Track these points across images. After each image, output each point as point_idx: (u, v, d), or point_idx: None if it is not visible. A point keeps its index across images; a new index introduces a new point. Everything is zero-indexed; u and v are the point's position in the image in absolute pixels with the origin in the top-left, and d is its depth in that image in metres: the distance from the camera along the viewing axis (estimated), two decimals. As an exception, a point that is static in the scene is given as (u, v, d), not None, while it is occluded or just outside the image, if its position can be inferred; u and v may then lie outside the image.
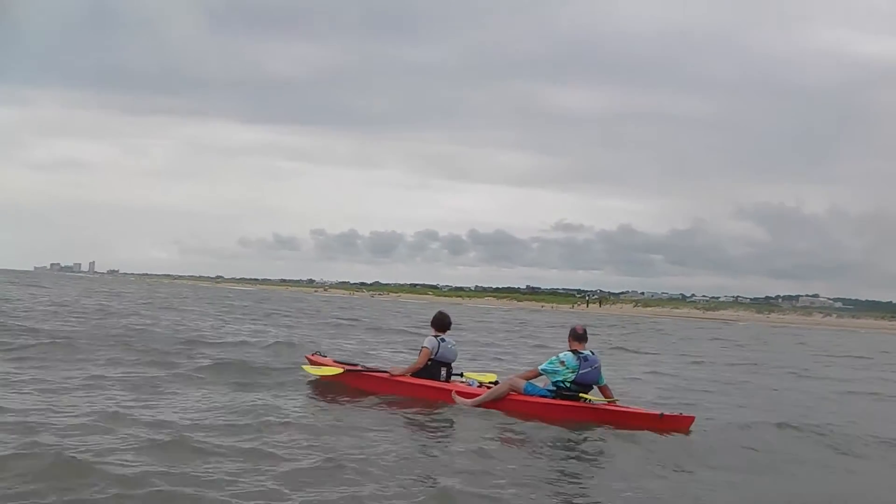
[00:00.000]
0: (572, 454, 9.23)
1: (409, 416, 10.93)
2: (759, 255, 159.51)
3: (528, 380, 11.50)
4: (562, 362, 11.20)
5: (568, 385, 11.11)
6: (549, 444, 9.66)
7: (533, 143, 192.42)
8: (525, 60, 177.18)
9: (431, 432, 10.06)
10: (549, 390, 11.31)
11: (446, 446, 9.23)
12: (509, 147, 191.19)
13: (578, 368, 11.09)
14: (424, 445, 9.16)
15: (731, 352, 30.28)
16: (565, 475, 8.16)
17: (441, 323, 12.64)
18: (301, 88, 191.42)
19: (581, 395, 11.14)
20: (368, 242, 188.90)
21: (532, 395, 11.35)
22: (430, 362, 12.30)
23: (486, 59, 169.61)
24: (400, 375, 12.45)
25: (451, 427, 10.47)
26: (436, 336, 12.44)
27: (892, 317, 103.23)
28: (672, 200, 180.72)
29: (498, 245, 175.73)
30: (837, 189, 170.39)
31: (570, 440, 9.85)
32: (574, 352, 11.28)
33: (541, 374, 11.43)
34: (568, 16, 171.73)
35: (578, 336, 11.44)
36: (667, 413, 10.97)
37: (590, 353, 11.35)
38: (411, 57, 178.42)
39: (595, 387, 11.35)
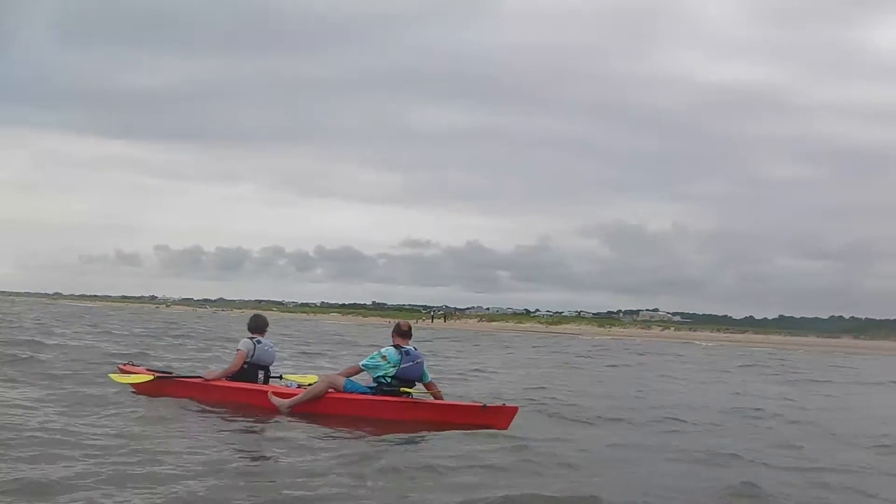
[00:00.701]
0: (391, 451, 8.65)
1: (221, 420, 10.26)
2: (603, 271, 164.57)
3: (348, 377, 11.05)
4: (383, 357, 10.81)
5: (389, 380, 10.72)
6: (366, 442, 9.20)
7: (386, 159, 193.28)
8: (387, 77, 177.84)
9: (241, 436, 9.42)
10: (369, 387, 10.87)
11: (254, 451, 8.58)
12: (363, 163, 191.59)
13: (400, 363, 10.75)
14: (232, 451, 8.41)
15: (561, 358, 30.87)
16: (383, 473, 7.48)
17: (257, 325, 12.04)
18: (160, 103, 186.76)
19: (402, 389, 10.75)
20: (214, 258, 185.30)
21: (352, 393, 10.89)
22: (246, 365, 11.64)
23: (349, 76, 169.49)
24: (214, 379, 11.70)
25: (261, 431, 9.83)
26: (251, 338, 11.80)
27: (727, 329, 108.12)
28: (521, 218, 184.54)
29: (345, 261, 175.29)
30: (681, 208, 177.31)
31: (385, 439, 9.36)
32: (396, 347, 10.93)
33: (362, 371, 10.98)
34: (431, 34, 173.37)
35: (402, 332, 11.19)
36: (489, 404, 10.75)
37: (412, 349, 11.06)
38: (276, 73, 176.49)
39: (421, 384, 11.05)
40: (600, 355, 34.09)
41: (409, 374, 10.80)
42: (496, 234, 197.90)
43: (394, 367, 10.67)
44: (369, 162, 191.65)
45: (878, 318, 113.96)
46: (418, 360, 10.97)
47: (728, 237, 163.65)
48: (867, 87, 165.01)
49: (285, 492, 6.58)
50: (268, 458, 8.13)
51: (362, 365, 10.98)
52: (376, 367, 10.78)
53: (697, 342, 65.59)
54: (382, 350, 10.93)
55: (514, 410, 10.68)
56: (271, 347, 12.03)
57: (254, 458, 8.14)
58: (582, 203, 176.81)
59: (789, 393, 18.60)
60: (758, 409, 14.09)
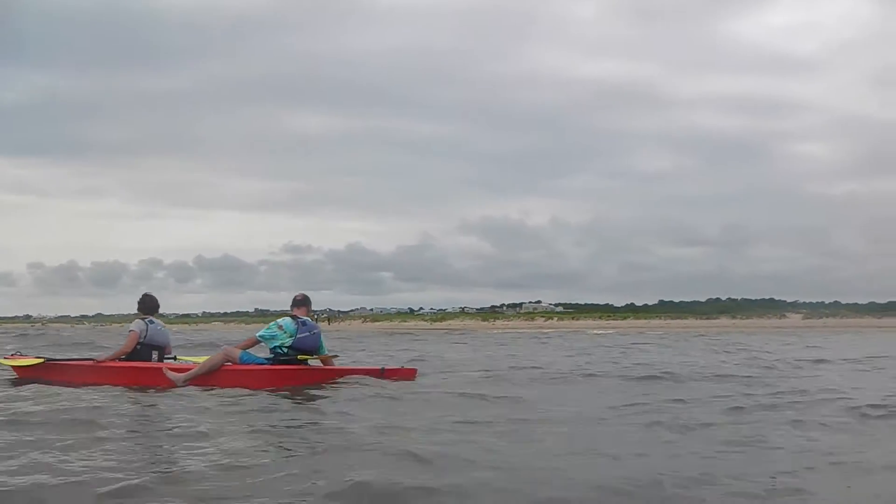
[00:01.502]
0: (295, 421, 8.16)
1: (117, 401, 9.67)
2: (485, 267, 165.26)
3: (244, 349, 11.05)
4: (280, 327, 10.92)
5: (286, 350, 10.83)
6: (268, 409, 8.90)
7: (263, 167, 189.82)
8: (259, 85, 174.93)
9: (134, 414, 8.74)
10: (267, 359, 10.94)
11: (145, 428, 7.89)
12: (240, 172, 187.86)
13: (296, 333, 10.87)
14: (128, 429, 7.67)
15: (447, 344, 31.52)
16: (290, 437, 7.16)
17: (147, 305, 11.97)
18: (25, 118, 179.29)
19: (300, 357, 10.87)
20: (90, 274, 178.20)
21: (249, 364, 10.90)
22: (139, 346, 11.56)
23: (220, 86, 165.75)
24: (106, 361, 11.58)
25: (154, 406, 9.30)
26: (143, 318, 11.73)
27: (609, 316, 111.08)
28: (401, 219, 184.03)
29: (226, 270, 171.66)
30: (558, 203, 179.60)
31: (288, 407, 9.14)
32: (293, 317, 11.05)
33: (259, 342, 11.04)
34: (301, 39, 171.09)
35: (298, 302, 11.33)
36: (388, 367, 11.08)
37: (309, 320, 11.18)
38: (144, 86, 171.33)
39: (317, 357, 11.18)
40: (482, 340, 34.77)
41: (305, 345, 10.90)
42: (377, 237, 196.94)
43: (290, 336, 10.77)
44: (244, 170, 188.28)
45: (752, 297, 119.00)
46: (315, 331, 11.08)
47: (605, 229, 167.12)
48: (729, 79, 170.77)
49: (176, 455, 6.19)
50: (156, 423, 7.84)
51: (259, 336, 11.02)
52: (273, 338, 10.85)
53: (590, 330, 67.04)
54: (279, 320, 11.01)
55: (412, 372, 11.03)
56: (164, 328, 11.98)
57: (142, 425, 7.78)
58: (461, 202, 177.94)
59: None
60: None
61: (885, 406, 8.88)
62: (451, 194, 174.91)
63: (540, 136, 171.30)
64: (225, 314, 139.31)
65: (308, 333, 10.95)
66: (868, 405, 8.89)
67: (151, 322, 11.71)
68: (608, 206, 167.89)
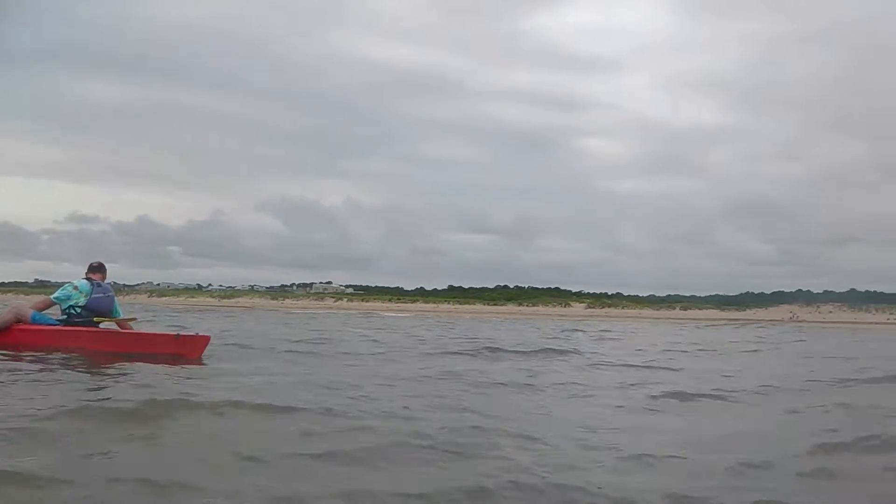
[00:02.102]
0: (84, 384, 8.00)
1: None
2: (276, 245, 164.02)
3: (38, 310, 11.10)
4: (75, 287, 11.12)
5: (79, 311, 11.04)
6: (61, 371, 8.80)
7: (48, 134, 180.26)
8: (49, 50, 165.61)
9: None
10: (59, 320, 11.08)
11: None
12: (20, 137, 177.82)
13: (91, 293, 11.12)
14: None
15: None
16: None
17: None
18: None
19: (94, 319, 11.08)
20: None
21: (41, 324, 11.01)
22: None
23: (8, 47, 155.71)
24: None
25: None
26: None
27: (399, 299, 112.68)
28: (193, 194, 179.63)
29: (5, 238, 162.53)
30: (352, 185, 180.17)
31: (81, 366, 9.21)
32: (89, 279, 11.24)
33: (54, 304, 11.15)
34: (97, 6, 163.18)
35: (94, 268, 11.52)
36: (183, 334, 11.31)
37: (104, 283, 11.39)
38: None
39: (113, 320, 11.39)
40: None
41: (99, 306, 11.13)
42: (168, 210, 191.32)
43: (85, 296, 11.00)
44: (28, 136, 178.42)
45: (539, 286, 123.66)
46: (109, 294, 11.37)
47: (399, 213, 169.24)
48: (526, 73, 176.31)
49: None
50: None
51: (54, 298, 11.14)
52: (67, 298, 11.01)
53: (384, 313, 67.85)
54: (74, 281, 11.18)
55: (206, 339, 11.17)
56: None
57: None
58: (256, 180, 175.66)
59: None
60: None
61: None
62: (246, 171, 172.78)
63: (337, 117, 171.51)
64: (3, 284, 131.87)
65: (102, 295, 11.24)
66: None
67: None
68: (402, 191, 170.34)
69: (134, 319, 12.03)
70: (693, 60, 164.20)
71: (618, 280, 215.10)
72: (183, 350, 10.73)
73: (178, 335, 11.05)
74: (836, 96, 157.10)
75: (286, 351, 13.02)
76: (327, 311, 78.86)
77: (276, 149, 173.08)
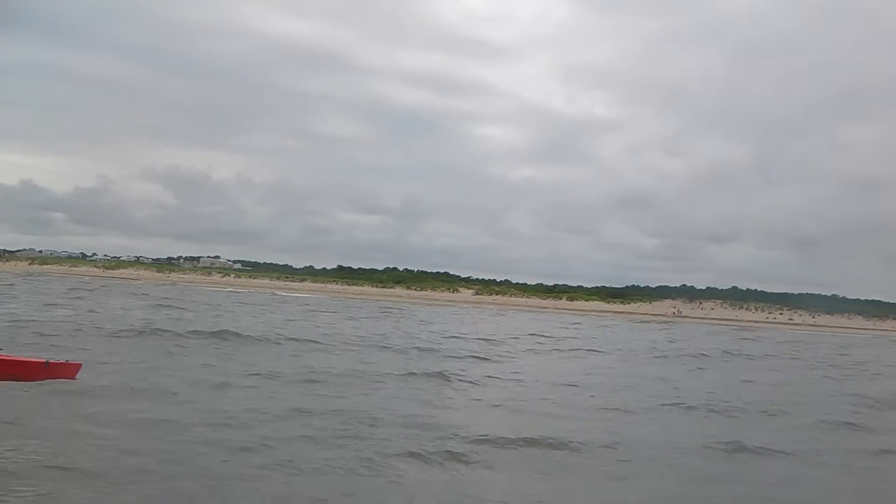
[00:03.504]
0: None
1: None
2: (164, 217, 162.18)
3: None
4: None
5: None
6: None
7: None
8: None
9: None
10: None
11: None
12: None
13: None
14: None
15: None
16: None
17: None
18: None
19: None
20: None
21: None
22: None
23: None
24: None
25: None
26: None
27: (287, 277, 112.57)
28: (79, 160, 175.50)
29: None
30: (243, 159, 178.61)
31: None
32: None
33: None
34: None
35: None
36: (52, 361, 11.24)
37: None
38: None
39: None
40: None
41: None
42: (53, 175, 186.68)
43: None
44: None
45: (428, 269, 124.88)
46: None
47: (288, 190, 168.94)
48: (421, 55, 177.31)
49: None
50: None
51: None
52: None
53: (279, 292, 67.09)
54: None
55: (77, 367, 11.30)
56: None
57: None
58: (143, 148, 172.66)
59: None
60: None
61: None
62: (133, 138, 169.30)
63: (228, 89, 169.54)
64: None
65: None
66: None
67: None
68: (292, 167, 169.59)
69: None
70: (586, 52, 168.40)
71: (506, 267, 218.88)
72: (56, 376, 10.79)
73: (47, 363, 10.91)
74: (719, 95, 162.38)
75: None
76: (219, 287, 78.55)
77: (167, 118, 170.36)
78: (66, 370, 11.05)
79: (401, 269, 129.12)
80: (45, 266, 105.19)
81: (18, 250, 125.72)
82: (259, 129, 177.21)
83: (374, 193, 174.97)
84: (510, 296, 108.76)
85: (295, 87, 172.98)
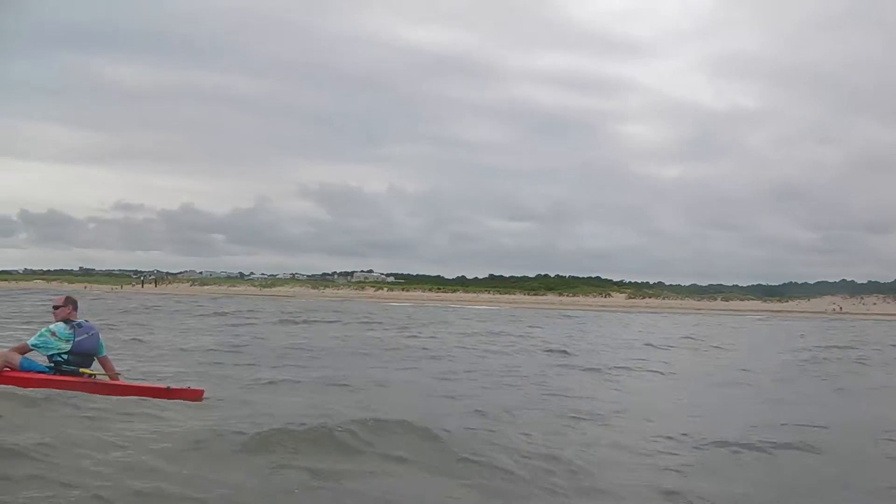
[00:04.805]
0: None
1: None
2: (318, 233, 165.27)
3: (23, 354, 10.57)
4: (52, 333, 10.48)
5: (65, 357, 10.41)
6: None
7: (87, 118, 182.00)
8: (79, 32, 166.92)
9: None
10: (48, 366, 10.50)
11: None
12: (56, 121, 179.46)
13: (74, 337, 10.47)
14: None
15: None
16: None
17: None
18: None
19: (82, 370, 10.50)
20: None
21: (29, 372, 10.44)
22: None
23: (23, 28, 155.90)
24: None
25: None
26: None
27: (439, 288, 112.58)
28: (234, 181, 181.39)
29: (51, 226, 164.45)
30: (391, 170, 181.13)
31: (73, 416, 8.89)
32: (66, 321, 10.64)
33: (31, 350, 10.56)
34: None
35: (63, 306, 10.83)
36: (173, 386, 10.76)
37: (84, 321, 10.81)
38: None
39: (95, 359, 10.79)
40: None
41: (85, 348, 10.55)
42: (211, 198, 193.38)
43: (67, 342, 10.41)
44: (65, 120, 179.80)
45: (580, 275, 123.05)
46: (92, 332, 10.72)
47: (438, 199, 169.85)
48: (561, 56, 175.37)
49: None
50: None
51: (31, 344, 10.56)
52: (46, 345, 10.45)
53: (453, 305, 67.18)
54: (51, 326, 10.60)
55: (199, 393, 10.72)
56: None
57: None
58: (295, 165, 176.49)
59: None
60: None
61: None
62: (285, 157, 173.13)
63: (372, 100, 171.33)
64: (47, 272, 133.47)
65: (86, 335, 10.61)
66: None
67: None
68: (438, 176, 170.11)
69: (119, 374, 11.09)
70: (732, 43, 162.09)
71: (658, 268, 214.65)
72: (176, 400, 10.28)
73: (168, 388, 10.55)
74: (875, 77, 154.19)
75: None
76: (379, 301, 78.82)
77: (315, 133, 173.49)
78: (187, 396, 10.64)
79: (552, 275, 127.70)
80: (206, 287, 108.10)
81: (180, 272, 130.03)
82: (405, 139, 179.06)
83: (520, 198, 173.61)
84: (664, 298, 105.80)
85: (436, 95, 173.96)
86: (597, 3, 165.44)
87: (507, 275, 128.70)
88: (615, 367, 17.52)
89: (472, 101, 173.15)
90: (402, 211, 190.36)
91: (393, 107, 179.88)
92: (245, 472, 6.90)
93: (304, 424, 8.35)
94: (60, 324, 10.63)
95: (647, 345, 24.70)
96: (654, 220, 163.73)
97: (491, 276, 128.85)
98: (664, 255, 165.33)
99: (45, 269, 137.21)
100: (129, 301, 52.43)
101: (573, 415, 11.20)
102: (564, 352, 21.01)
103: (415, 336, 24.93)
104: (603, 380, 15.83)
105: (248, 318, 33.75)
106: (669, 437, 9.67)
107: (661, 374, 17.26)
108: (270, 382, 13.43)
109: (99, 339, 10.90)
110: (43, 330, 10.69)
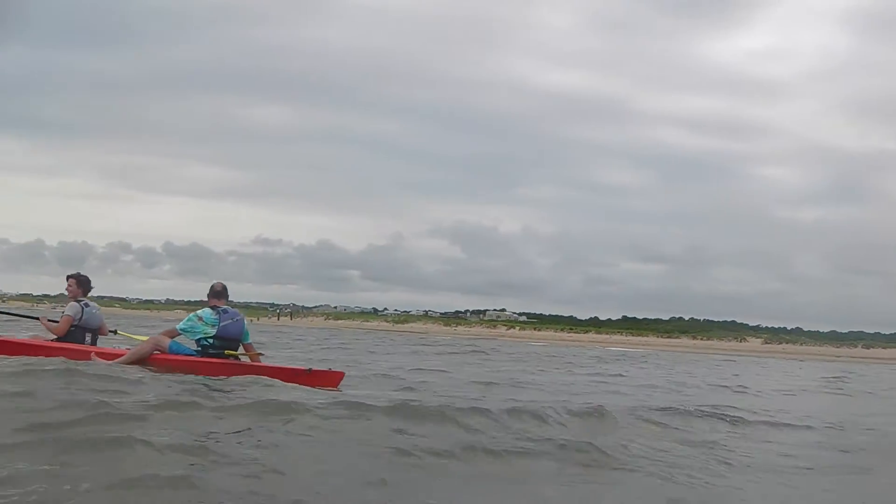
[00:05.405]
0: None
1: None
2: (452, 271, 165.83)
3: (172, 338, 11.13)
4: (200, 318, 10.98)
5: (211, 341, 10.87)
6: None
7: (228, 157, 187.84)
8: (220, 74, 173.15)
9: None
10: (195, 350, 11.00)
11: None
12: (202, 161, 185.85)
13: (219, 322, 10.92)
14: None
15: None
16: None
17: (86, 288, 12.09)
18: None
19: (227, 352, 10.96)
20: (57, 253, 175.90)
21: (178, 354, 10.99)
22: (73, 328, 11.71)
23: (175, 72, 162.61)
24: (49, 323, 11.92)
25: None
26: (78, 302, 11.88)
27: (571, 329, 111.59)
28: (370, 219, 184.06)
29: (193, 258, 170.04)
30: (523, 211, 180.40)
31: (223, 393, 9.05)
32: (213, 307, 11.13)
33: (179, 334, 11.10)
34: (262, 31, 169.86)
35: (217, 292, 11.34)
36: (315, 368, 11.05)
37: (229, 308, 11.25)
38: (96, 67, 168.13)
39: (241, 345, 11.24)
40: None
41: (230, 332, 10.98)
42: (348, 234, 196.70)
43: (213, 327, 10.85)
44: (210, 159, 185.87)
45: (714, 318, 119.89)
46: (237, 318, 11.15)
47: (571, 240, 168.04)
48: (697, 98, 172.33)
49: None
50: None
51: (179, 329, 11.09)
52: (192, 330, 10.95)
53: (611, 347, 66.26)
54: (198, 312, 11.10)
55: (340, 375, 10.96)
56: (98, 311, 12.16)
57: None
58: (429, 204, 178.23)
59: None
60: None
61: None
62: (419, 196, 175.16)
63: (506, 143, 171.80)
64: (188, 302, 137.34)
65: (231, 321, 11.04)
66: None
67: (87, 305, 11.89)
68: (573, 218, 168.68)
69: (262, 354, 11.76)
70: (871, 83, 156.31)
71: (795, 314, 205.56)
72: (318, 384, 10.51)
73: (309, 370, 10.83)
74: None
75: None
76: (520, 341, 78.66)
77: (448, 174, 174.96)
78: (328, 378, 10.89)
79: (686, 318, 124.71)
80: (340, 321, 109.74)
81: (315, 306, 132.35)
82: (538, 181, 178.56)
83: (654, 241, 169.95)
84: (800, 344, 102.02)
85: (571, 138, 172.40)
86: (733, 44, 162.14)
87: (640, 316, 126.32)
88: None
89: (607, 144, 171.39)
90: (534, 251, 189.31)
91: (528, 149, 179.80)
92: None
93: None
94: (207, 309, 11.13)
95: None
96: (792, 265, 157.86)
97: (624, 317, 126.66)
98: (802, 301, 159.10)
99: (186, 299, 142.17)
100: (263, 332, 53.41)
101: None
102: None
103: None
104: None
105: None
106: None
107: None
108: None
109: (244, 325, 11.32)
110: (191, 315, 11.21)
